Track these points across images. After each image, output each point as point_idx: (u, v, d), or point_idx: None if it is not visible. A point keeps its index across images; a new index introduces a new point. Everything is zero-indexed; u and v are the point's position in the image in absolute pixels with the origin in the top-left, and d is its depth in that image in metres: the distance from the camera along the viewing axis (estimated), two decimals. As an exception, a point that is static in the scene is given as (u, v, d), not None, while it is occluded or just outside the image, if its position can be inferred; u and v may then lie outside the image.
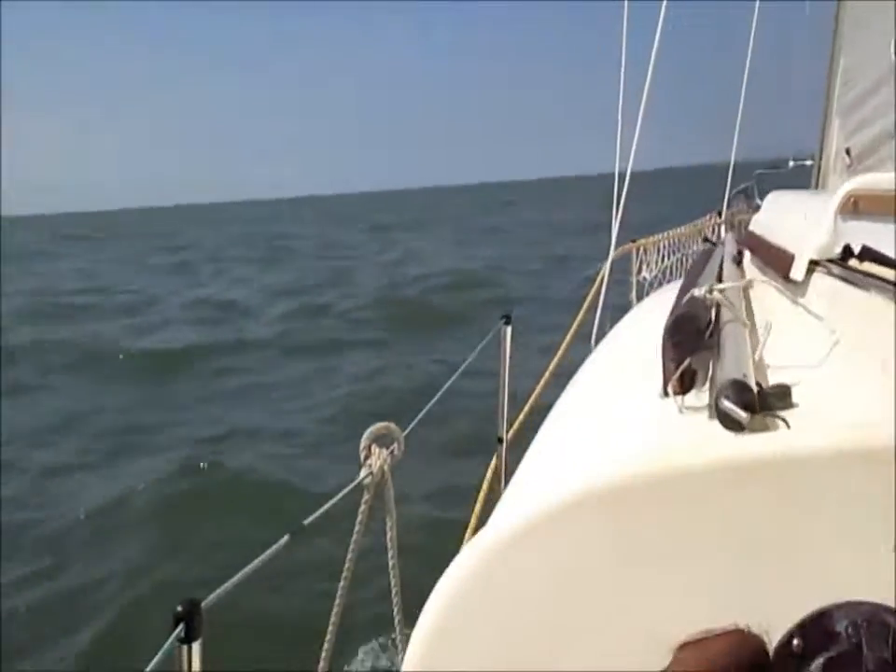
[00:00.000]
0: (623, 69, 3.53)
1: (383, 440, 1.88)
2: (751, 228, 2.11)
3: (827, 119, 5.17)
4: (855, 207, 1.27)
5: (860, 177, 1.31)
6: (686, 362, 1.06)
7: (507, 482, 2.95)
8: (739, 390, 0.87)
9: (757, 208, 6.55)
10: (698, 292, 1.15)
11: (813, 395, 0.97)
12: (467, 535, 2.81)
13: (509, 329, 3.12)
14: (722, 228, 5.85)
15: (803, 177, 5.46)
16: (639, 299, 4.50)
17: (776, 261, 1.52)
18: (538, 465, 1.57)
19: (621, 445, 1.16)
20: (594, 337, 3.49)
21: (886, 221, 1.22)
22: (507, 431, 3.19)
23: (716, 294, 1.15)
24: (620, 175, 3.80)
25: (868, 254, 1.15)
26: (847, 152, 5.29)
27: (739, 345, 1.05)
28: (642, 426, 1.21)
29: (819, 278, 1.25)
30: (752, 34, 5.18)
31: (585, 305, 3.79)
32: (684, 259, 5.44)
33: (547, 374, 3.66)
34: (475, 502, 3.04)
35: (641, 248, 5.05)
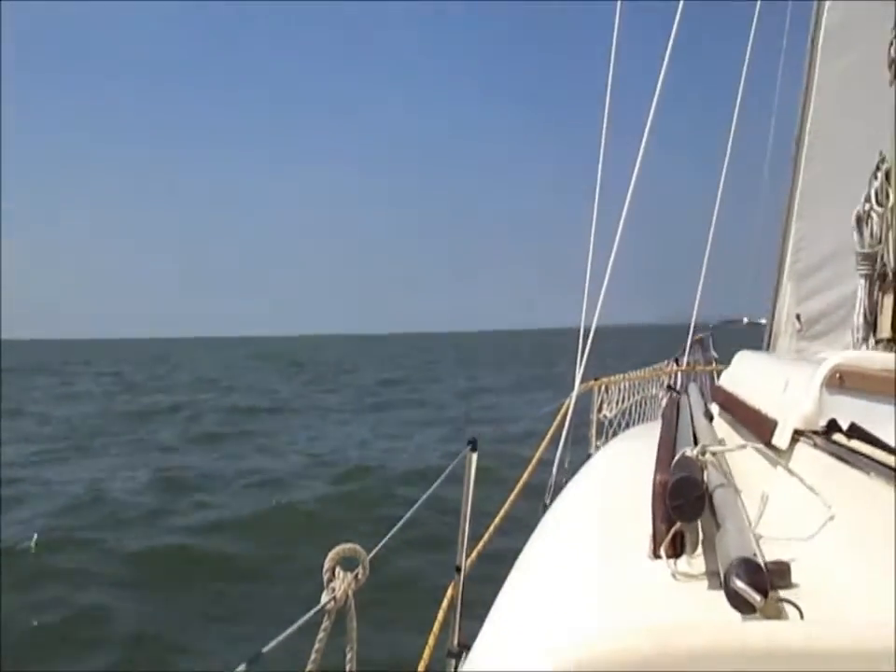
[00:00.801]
0: (592, 238, 3.71)
1: (347, 562, 1.82)
2: (721, 384, 2.17)
3: (779, 284, 5.47)
4: (840, 382, 1.32)
5: (847, 352, 1.37)
6: (677, 525, 1.05)
7: (463, 612, 2.85)
8: (751, 570, 0.85)
9: (711, 360, 6.81)
10: (690, 453, 1.15)
11: (815, 576, 0.97)
12: (420, 667, 2.70)
13: (474, 456, 3.09)
14: (679, 376, 6.02)
15: (754, 337, 5.75)
16: (599, 436, 4.55)
17: (754, 425, 1.55)
18: (506, 632, 1.44)
19: (611, 613, 1.12)
20: (554, 470, 3.50)
21: (870, 399, 1.27)
22: (465, 560, 3.11)
23: (708, 457, 1.15)
24: (586, 328, 3.94)
25: (857, 432, 1.20)
26: (798, 317, 5.58)
27: (737, 515, 1.04)
28: (632, 591, 1.15)
29: (803, 449, 1.27)
30: (717, 206, 5.48)
31: (547, 438, 3.80)
32: (643, 402, 5.56)
33: (507, 505, 3.63)
34: (429, 633, 2.93)
35: (603, 386, 5.14)
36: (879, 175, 2.99)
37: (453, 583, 3.12)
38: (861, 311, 3.05)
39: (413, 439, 20.71)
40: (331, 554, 1.80)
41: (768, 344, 5.56)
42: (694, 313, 5.54)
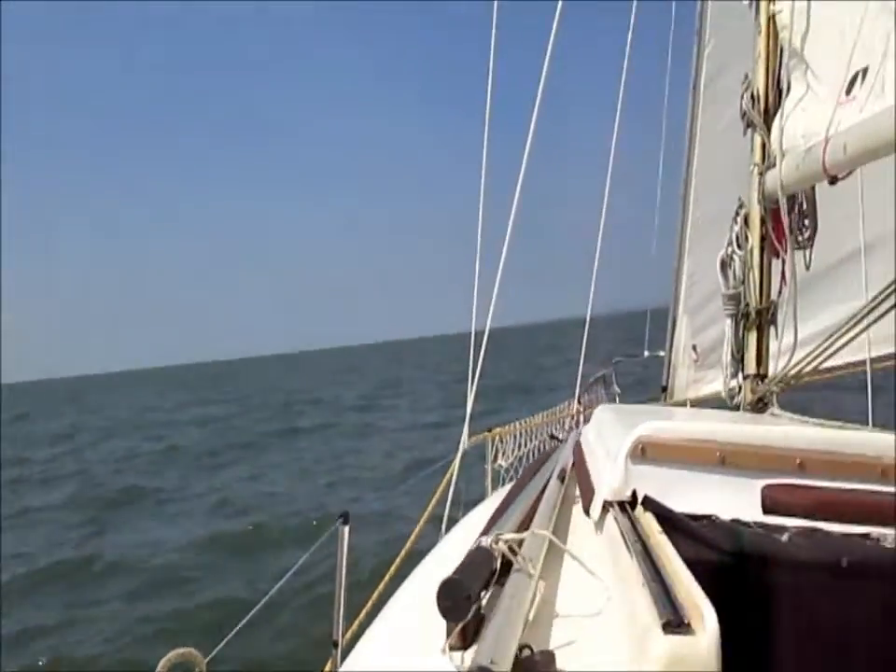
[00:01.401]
0: (480, 227, 3.65)
1: (182, 666, 1.66)
2: (581, 440, 2.20)
3: (675, 317, 5.68)
4: (643, 453, 1.38)
5: (652, 423, 1.41)
6: (463, 621, 1.04)
7: None
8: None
9: (614, 397, 6.90)
10: (485, 542, 1.16)
11: (580, 664, 0.98)
12: None
13: (346, 529, 3.01)
14: (581, 418, 5.94)
15: (657, 367, 5.86)
16: (495, 486, 4.44)
17: (584, 492, 1.59)
18: None
19: None
20: (442, 532, 3.37)
21: (669, 467, 1.34)
22: (342, 634, 3.07)
23: (501, 545, 1.16)
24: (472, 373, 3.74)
25: (649, 504, 1.25)
26: (694, 348, 5.79)
27: (514, 602, 1.05)
28: None
29: (610, 521, 1.31)
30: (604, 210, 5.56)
31: (435, 497, 3.66)
32: (540, 447, 5.44)
33: (387, 577, 3.49)
34: None
35: (497, 437, 4.97)
36: (739, 219, 3.15)
37: (330, 659, 3.05)
38: (729, 349, 3.19)
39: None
40: (163, 662, 1.64)
41: (667, 375, 5.74)
42: (583, 345, 5.46)
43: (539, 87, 3.67)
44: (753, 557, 1.20)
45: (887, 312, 2.34)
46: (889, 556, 1.18)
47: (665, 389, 5.53)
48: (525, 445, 5.07)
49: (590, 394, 6.35)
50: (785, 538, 1.23)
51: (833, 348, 2.58)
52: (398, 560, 3.52)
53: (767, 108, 3.10)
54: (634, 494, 1.32)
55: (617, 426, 2.07)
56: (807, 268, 3.00)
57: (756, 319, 3.09)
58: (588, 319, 5.69)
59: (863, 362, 4.14)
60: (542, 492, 1.69)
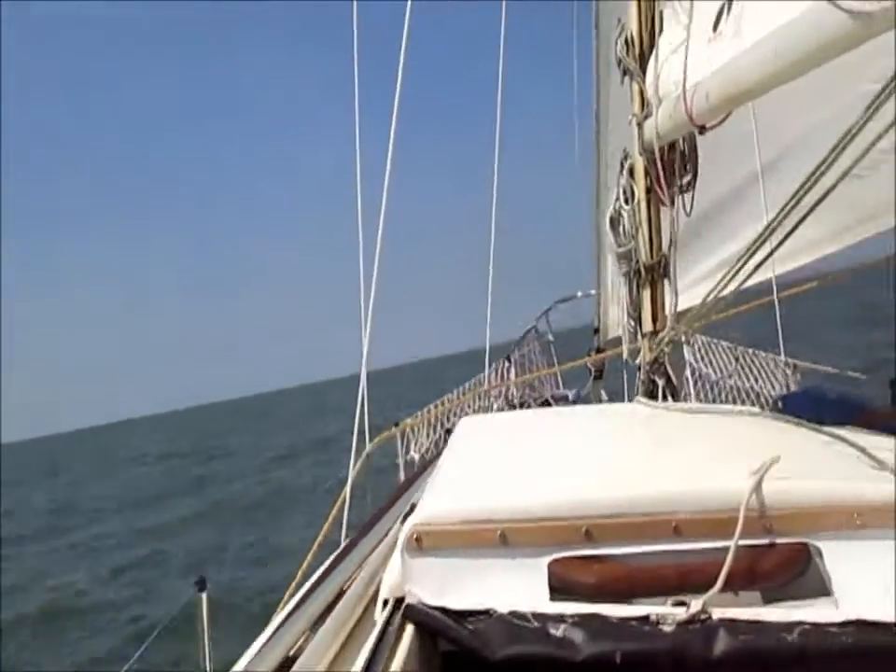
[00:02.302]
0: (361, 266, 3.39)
1: None
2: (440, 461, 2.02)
3: (600, 254, 5.52)
4: (419, 544, 1.25)
5: (423, 509, 1.28)
6: None
7: None
8: None
9: (548, 344, 6.77)
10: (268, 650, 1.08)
11: None
12: None
13: (204, 597, 2.74)
14: (512, 371, 5.76)
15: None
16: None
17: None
18: None
19: None
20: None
21: (448, 556, 1.21)
22: None
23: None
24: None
25: (411, 612, 1.15)
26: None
27: None
28: None
29: (381, 623, 1.21)
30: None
31: (331, 517, 3.35)
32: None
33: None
34: None
35: (408, 429, 4.48)
36: (625, 172, 3.01)
37: None
38: (626, 308, 3.08)
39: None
40: None
41: (598, 315, 5.61)
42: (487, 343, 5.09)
43: (395, 102, 3.42)
44: (525, 658, 1.10)
45: (753, 252, 2.25)
46: (665, 645, 1.08)
47: (597, 331, 5.41)
48: (440, 429, 4.69)
49: (522, 349, 6.17)
50: (560, 631, 1.12)
51: (717, 291, 2.46)
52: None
53: (643, 53, 2.93)
54: (409, 592, 1.20)
55: (493, 431, 1.95)
56: (688, 214, 2.86)
57: (648, 275, 2.98)
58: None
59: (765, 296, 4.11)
60: (373, 551, 1.55)
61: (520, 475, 1.49)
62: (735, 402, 4.62)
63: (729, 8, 2.51)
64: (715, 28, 2.56)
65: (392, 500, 2.07)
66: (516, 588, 1.20)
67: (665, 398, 2.89)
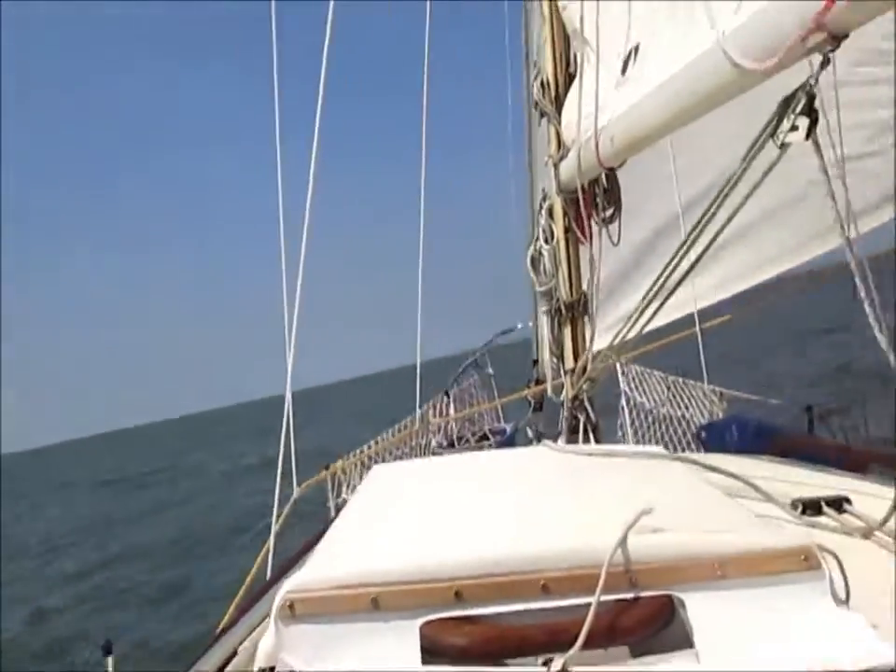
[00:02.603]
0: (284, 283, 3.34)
1: None
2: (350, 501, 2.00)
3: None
4: (292, 611, 1.23)
5: (297, 576, 1.26)
6: None
7: None
8: None
9: (488, 377, 6.79)
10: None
11: None
12: None
13: (110, 661, 2.53)
14: (451, 406, 5.73)
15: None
16: None
17: None
18: None
19: None
20: None
21: (324, 623, 1.19)
22: None
23: None
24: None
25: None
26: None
27: None
28: None
29: None
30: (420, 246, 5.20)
31: (254, 569, 3.22)
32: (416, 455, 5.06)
33: None
34: None
35: (339, 471, 4.39)
36: (544, 212, 3.05)
37: None
38: (549, 346, 3.11)
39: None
40: None
41: (536, 348, 5.65)
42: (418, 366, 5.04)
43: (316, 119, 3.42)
44: None
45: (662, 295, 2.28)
46: None
47: (535, 362, 5.44)
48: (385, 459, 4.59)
49: (461, 383, 6.17)
50: None
51: (633, 327, 2.49)
52: None
53: (558, 95, 2.99)
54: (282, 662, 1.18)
55: (404, 483, 1.93)
56: (614, 244, 2.90)
57: (569, 313, 3.01)
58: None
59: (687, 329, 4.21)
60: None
61: (400, 535, 1.49)
62: (667, 430, 4.70)
63: (636, 53, 2.58)
64: (623, 72, 2.63)
65: (295, 558, 2.04)
66: (389, 652, 1.18)
67: (585, 434, 2.91)
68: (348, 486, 4.20)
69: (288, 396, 3.25)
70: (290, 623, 1.20)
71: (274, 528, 3.02)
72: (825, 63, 1.44)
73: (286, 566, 2.21)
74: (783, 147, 1.57)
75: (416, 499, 1.82)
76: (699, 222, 1.89)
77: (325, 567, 1.31)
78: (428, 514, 1.63)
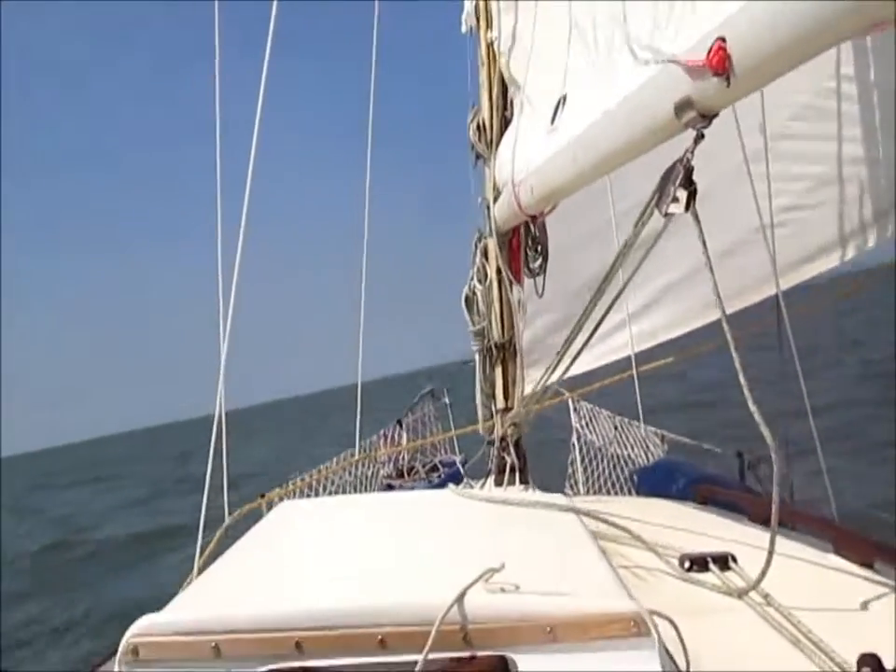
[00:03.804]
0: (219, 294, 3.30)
1: None
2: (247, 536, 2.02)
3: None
4: (136, 656, 1.25)
5: (145, 619, 1.28)
6: None
7: None
8: None
9: (444, 408, 6.80)
10: None
11: None
12: None
13: None
14: (403, 436, 5.70)
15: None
16: None
17: None
18: None
19: None
20: None
21: (167, 666, 1.21)
22: None
23: None
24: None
25: None
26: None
27: None
28: None
29: None
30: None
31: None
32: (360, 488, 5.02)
33: None
34: None
35: (276, 500, 4.37)
36: (478, 252, 3.08)
37: None
38: (480, 385, 3.13)
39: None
40: None
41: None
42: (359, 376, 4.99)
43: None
44: None
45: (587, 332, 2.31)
46: None
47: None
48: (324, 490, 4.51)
49: (416, 413, 6.16)
50: None
51: (552, 374, 2.52)
52: None
53: (493, 139, 3.03)
54: None
55: (312, 517, 1.96)
56: (539, 295, 2.95)
57: (500, 354, 3.04)
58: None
59: (623, 371, 4.26)
60: None
61: (260, 581, 1.52)
62: (614, 469, 4.74)
63: (563, 103, 2.62)
64: (552, 121, 2.67)
65: None
66: None
67: (512, 474, 2.92)
68: None
69: (221, 411, 3.19)
70: (134, 667, 1.22)
71: (198, 561, 2.99)
72: (698, 138, 1.48)
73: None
74: (667, 216, 1.61)
75: (297, 544, 1.85)
76: (600, 287, 1.93)
77: (174, 610, 1.33)
78: (297, 562, 1.67)
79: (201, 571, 3.02)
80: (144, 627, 1.25)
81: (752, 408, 1.48)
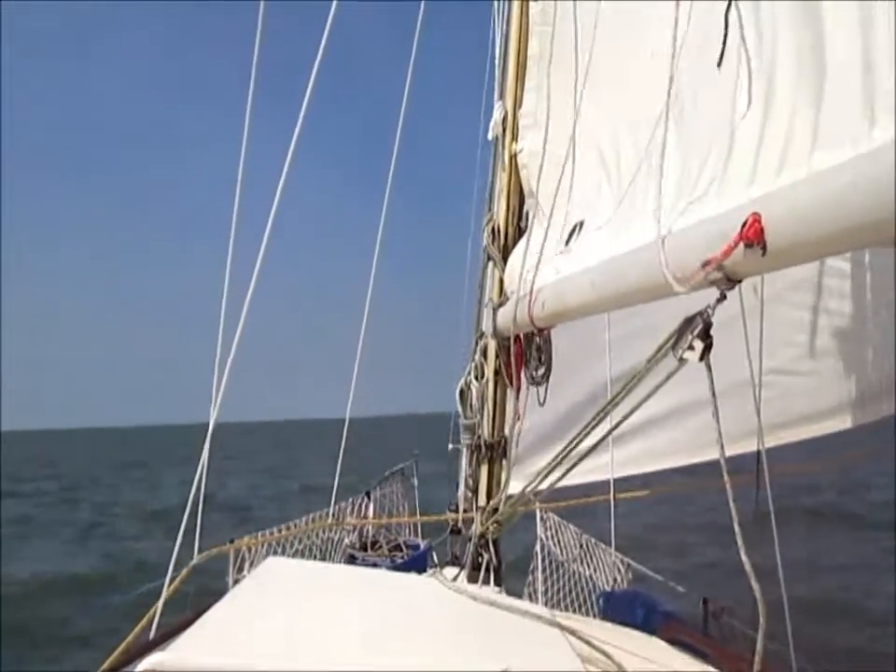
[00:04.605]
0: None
1: None
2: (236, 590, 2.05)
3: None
4: None
5: (155, 654, 1.35)
6: None
7: None
8: None
9: (412, 489, 6.83)
10: None
11: None
12: None
13: None
14: (370, 508, 5.73)
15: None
16: None
17: None
18: None
19: None
20: None
21: None
22: None
23: None
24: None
25: None
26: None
27: None
28: None
29: None
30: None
31: (138, 628, 3.17)
32: (322, 550, 5.05)
33: None
34: None
35: (244, 547, 4.30)
36: (478, 350, 3.18)
37: None
38: (464, 478, 3.18)
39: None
40: None
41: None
42: (346, 417, 5.18)
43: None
44: None
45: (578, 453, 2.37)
46: None
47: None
48: (293, 548, 4.56)
49: (384, 488, 6.17)
50: None
51: (541, 482, 2.58)
52: None
53: (507, 245, 3.16)
54: None
55: (298, 578, 1.99)
56: (541, 404, 3.02)
57: (488, 452, 3.10)
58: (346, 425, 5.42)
59: (602, 491, 4.34)
60: None
61: (261, 639, 1.56)
62: (574, 586, 4.75)
63: (580, 229, 2.76)
64: (568, 242, 2.81)
65: (177, 629, 2.07)
66: None
67: (487, 573, 2.95)
68: (251, 565, 4.13)
69: (205, 455, 3.26)
70: None
71: (165, 592, 3.01)
72: (721, 298, 1.59)
73: (167, 633, 2.23)
74: (681, 361, 1.71)
75: (292, 606, 1.90)
76: (603, 408, 2.01)
77: (186, 651, 1.37)
78: (295, 625, 1.70)
79: (165, 603, 3.05)
80: (155, 662, 1.30)
81: (744, 559, 1.55)
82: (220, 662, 1.33)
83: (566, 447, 2.37)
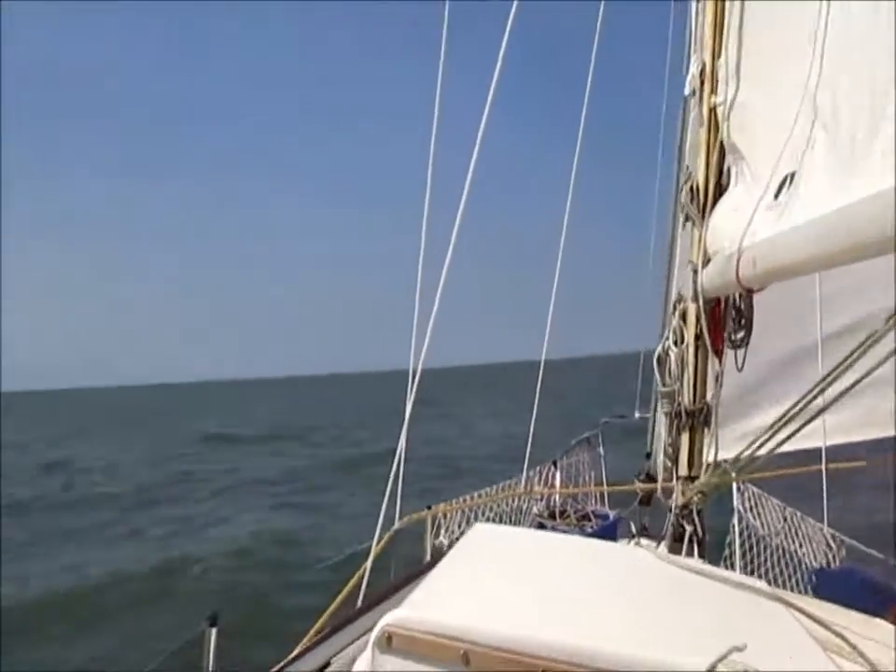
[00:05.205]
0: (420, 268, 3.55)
1: None
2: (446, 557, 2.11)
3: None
4: (389, 643, 1.35)
5: (399, 612, 1.39)
6: None
7: None
8: None
9: (598, 458, 6.74)
10: None
11: None
12: None
13: (214, 633, 2.66)
14: (557, 477, 5.77)
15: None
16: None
17: None
18: None
19: None
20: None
21: (415, 660, 1.31)
22: None
23: None
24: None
25: None
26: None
27: None
28: None
29: None
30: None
31: (347, 591, 3.35)
32: (512, 516, 5.16)
33: None
34: None
35: (440, 514, 4.52)
36: (677, 314, 3.06)
37: None
38: (663, 448, 3.09)
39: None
40: None
41: (651, 441, 5.59)
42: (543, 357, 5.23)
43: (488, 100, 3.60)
44: None
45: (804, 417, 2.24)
46: None
47: (648, 455, 5.37)
48: (476, 520, 4.72)
49: (570, 457, 6.16)
50: None
51: (758, 449, 2.46)
52: None
53: (706, 204, 3.01)
54: None
55: (503, 544, 2.04)
56: (739, 370, 2.88)
57: (689, 420, 2.99)
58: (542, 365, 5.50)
59: (812, 462, 4.04)
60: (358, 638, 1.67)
61: (498, 599, 1.57)
62: (778, 562, 4.52)
63: (791, 180, 2.58)
64: (777, 196, 2.63)
65: (391, 590, 2.16)
66: None
67: (690, 545, 2.86)
68: (447, 531, 4.39)
69: (404, 434, 3.43)
70: (385, 652, 1.34)
71: (374, 552, 3.22)
72: None
73: (382, 594, 2.36)
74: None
75: (513, 568, 1.91)
76: (837, 367, 1.87)
77: (425, 609, 1.42)
78: (524, 587, 1.72)
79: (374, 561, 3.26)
80: (400, 619, 1.37)
81: None
82: (465, 627, 1.36)
83: (786, 412, 2.23)
